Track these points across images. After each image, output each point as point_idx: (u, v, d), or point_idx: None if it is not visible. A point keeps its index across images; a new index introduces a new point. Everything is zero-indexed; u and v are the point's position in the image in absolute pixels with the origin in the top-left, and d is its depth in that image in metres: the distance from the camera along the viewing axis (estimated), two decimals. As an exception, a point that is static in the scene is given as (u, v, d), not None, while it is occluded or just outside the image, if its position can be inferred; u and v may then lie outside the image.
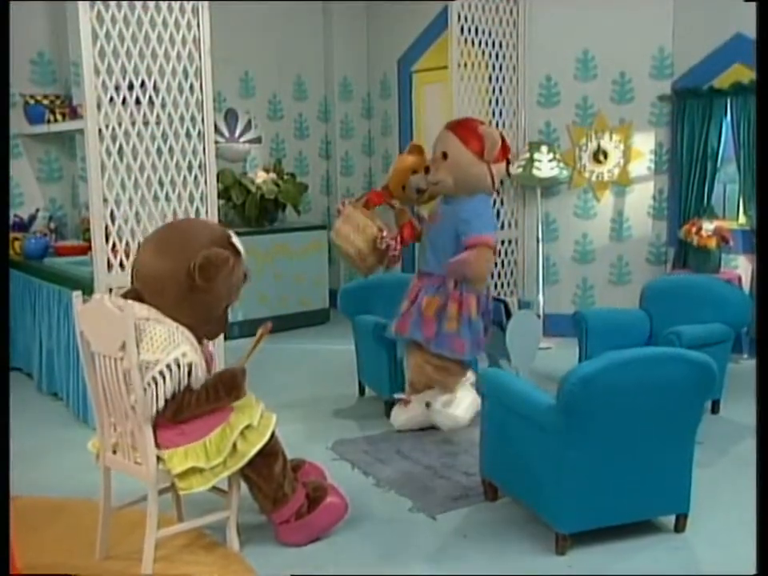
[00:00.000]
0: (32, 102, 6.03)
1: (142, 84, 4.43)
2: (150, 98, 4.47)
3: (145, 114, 4.46)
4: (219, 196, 5.59)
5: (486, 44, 6.46)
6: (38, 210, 6.29)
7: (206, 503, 3.40)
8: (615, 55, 6.51)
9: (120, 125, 4.38)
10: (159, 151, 4.52)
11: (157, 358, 2.95)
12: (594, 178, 6.69)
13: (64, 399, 5.18)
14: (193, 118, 4.61)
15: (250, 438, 3.14)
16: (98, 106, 4.30)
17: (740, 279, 6.00)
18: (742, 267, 6.14)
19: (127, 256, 4.46)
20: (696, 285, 5.10)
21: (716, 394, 4.75)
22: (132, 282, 3.22)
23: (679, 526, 3.40)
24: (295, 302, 7.34)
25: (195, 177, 4.65)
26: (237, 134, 7.37)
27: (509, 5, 6.57)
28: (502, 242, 6.65)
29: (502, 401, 3.50)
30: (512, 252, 6.83)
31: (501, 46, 6.56)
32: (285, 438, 3.38)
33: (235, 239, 3.21)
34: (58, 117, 5.95)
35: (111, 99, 4.34)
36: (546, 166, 6.42)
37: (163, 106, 4.52)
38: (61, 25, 6.15)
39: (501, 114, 6.63)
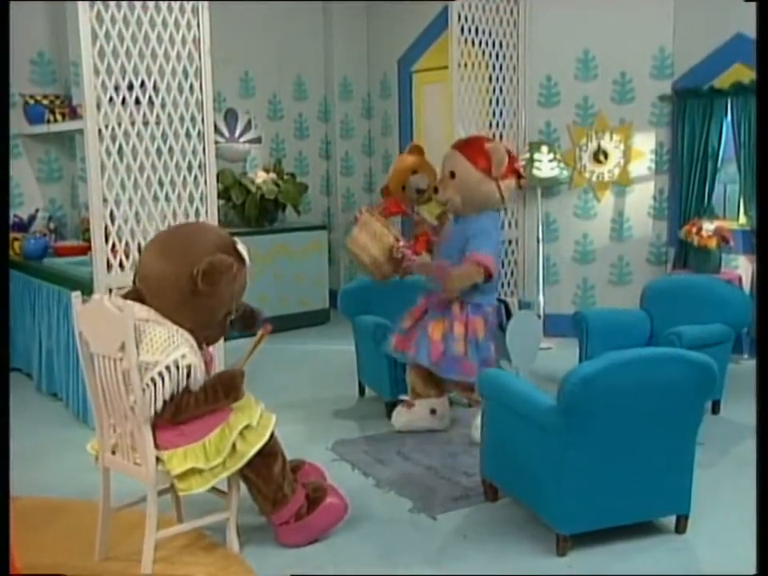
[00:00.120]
0: (32, 102, 6.03)
1: (142, 84, 4.43)
2: (150, 98, 4.46)
3: (145, 114, 4.45)
4: (219, 196, 5.60)
5: (486, 44, 6.45)
6: (37, 211, 6.29)
7: (206, 504, 3.40)
8: (616, 55, 6.51)
9: (120, 125, 4.37)
10: (159, 151, 4.51)
11: (156, 359, 2.94)
12: (594, 178, 6.68)
13: (64, 399, 5.17)
14: (193, 118, 4.61)
15: (250, 439, 3.13)
16: (98, 106, 4.30)
17: (740, 279, 6.00)
18: (743, 267, 6.13)
19: (127, 256, 4.46)
20: (696, 285, 5.10)
21: (716, 395, 4.75)
22: (134, 283, 3.22)
23: (680, 527, 3.39)
24: (295, 302, 7.33)
25: (195, 177, 4.65)
26: (237, 134, 7.37)
27: (509, 5, 6.56)
28: (503, 242, 6.64)
29: (502, 401, 3.50)
30: (512, 252, 6.83)
31: (501, 45, 6.56)
32: (285, 438, 3.38)
33: (241, 246, 3.20)
34: (58, 117, 5.94)
35: (111, 99, 4.33)
36: (546, 166, 6.42)
37: (163, 106, 4.51)
38: (61, 25, 6.15)
39: (501, 113, 6.63)
